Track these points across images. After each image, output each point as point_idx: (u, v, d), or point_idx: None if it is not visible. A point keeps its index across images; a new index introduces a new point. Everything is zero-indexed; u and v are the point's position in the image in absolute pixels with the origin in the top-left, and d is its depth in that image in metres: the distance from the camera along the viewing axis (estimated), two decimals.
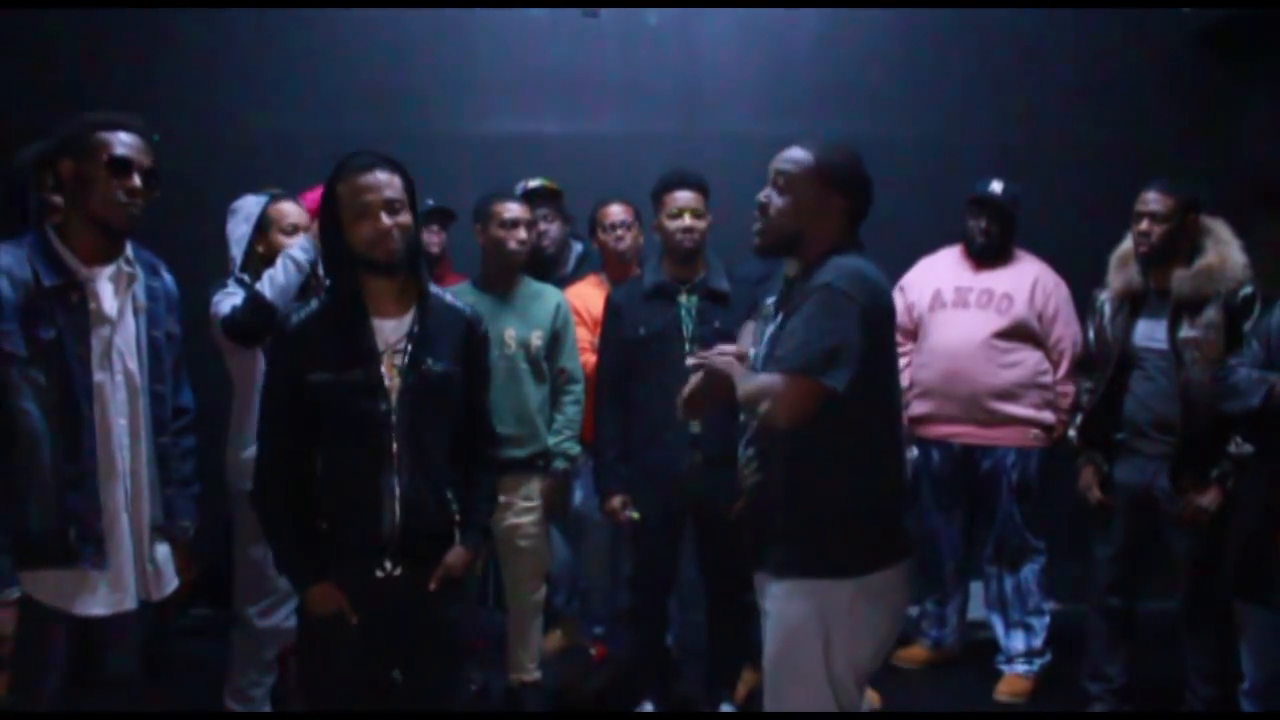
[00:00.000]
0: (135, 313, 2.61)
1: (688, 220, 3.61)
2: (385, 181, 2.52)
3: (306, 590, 2.59)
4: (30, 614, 2.44)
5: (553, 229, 4.36)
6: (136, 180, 2.52)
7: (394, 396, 2.55)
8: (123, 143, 2.52)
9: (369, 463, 2.55)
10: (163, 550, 2.67)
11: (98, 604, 2.53)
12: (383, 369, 2.55)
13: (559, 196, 4.43)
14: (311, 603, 2.58)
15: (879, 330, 2.38)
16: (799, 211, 2.43)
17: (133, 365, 2.59)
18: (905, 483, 2.69)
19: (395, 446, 2.55)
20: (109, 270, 2.56)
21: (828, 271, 2.35)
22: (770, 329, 2.52)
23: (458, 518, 2.70)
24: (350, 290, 2.57)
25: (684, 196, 3.63)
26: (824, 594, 2.39)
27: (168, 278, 2.76)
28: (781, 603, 2.45)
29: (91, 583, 2.52)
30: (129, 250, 2.63)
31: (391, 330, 2.58)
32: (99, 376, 2.52)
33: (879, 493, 2.47)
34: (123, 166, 2.51)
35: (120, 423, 2.55)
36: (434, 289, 2.68)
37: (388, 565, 2.59)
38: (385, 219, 2.50)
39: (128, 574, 2.57)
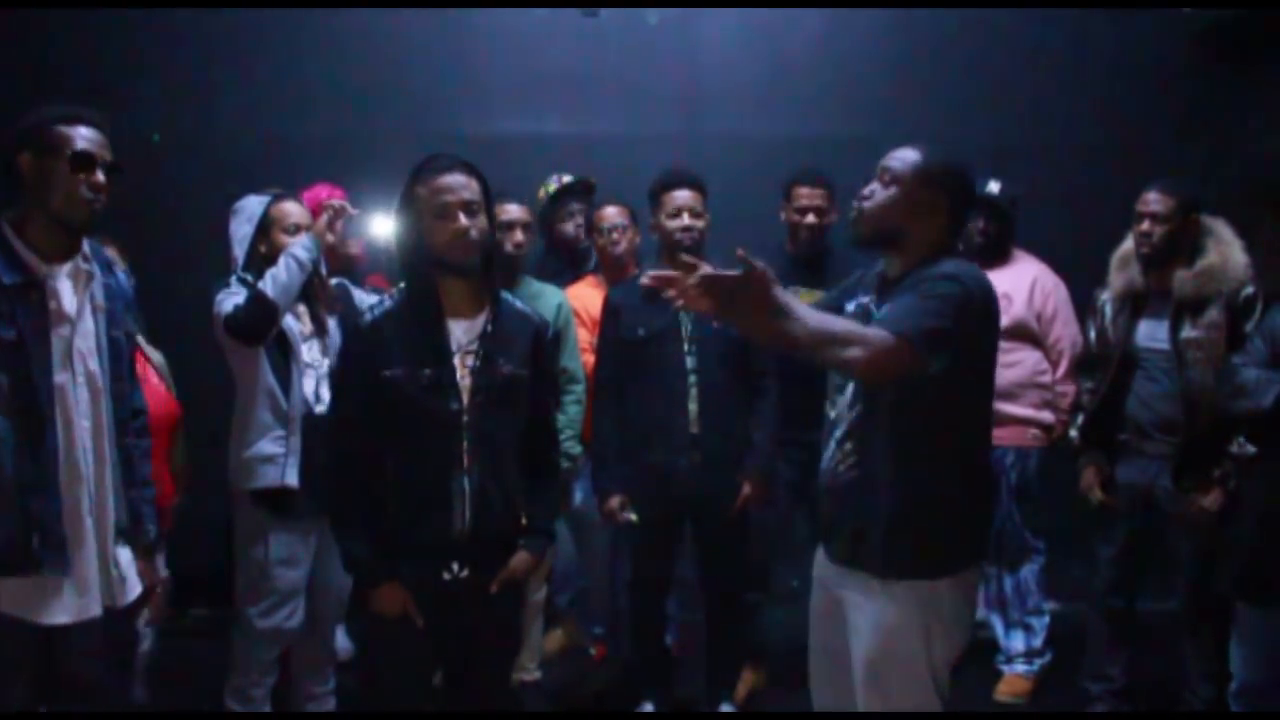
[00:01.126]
0: (94, 311, 2.55)
1: (686, 220, 3.60)
2: (464, 184, 2.55)
3: (374, 589, 2.59)
4: None
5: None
6: (99, 175, 2.45)
7: (465, 396, 2.57)
8: (84, 137, 2.46)
9: (440, 462, 2.57)
10: (125, 555, 2.62)
11: (61, 611, 2.46)
12: (455, 368, 2.57)
13: (593, 191, 4.43)
14: (379, 602, 2.59)
15: (986, 330, 2.44)
16: (902, 207, 2.45)
17: (94, 366, 2.53)
18: (992, 475, 2.73)
19: (465, 446, 2.57)
20: (67, 268, 2.50)
21: (946, 265, 2.39)
22: (850, 307, 2.55)
23: (523, 522, 2.71)
24: (426, 290, 2.58)
25: (682, 196, 3.62)
26: (926, 592, 2.43)
27: (122, 275, 2.71)
28: (881, 601, 2.47)
29: (55, 590, 2.45)
30: (85, 247, 2.56)
31: (464, 331, 2.61)
32: (60, 378, 2.45)
33: (975, 490, 2.52)
34: (85, 161, 2.44)
35: (83, 424, 2.49)
36: (504, 294, 2.71)
37: (454, 567, 2.60)
38: (464, 220, 2.52)
39: (92, 580, 2.51)
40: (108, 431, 2.55)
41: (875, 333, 2.25)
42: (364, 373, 2.57)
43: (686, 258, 2.29)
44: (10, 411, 2.38)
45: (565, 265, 4.40)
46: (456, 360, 2.58)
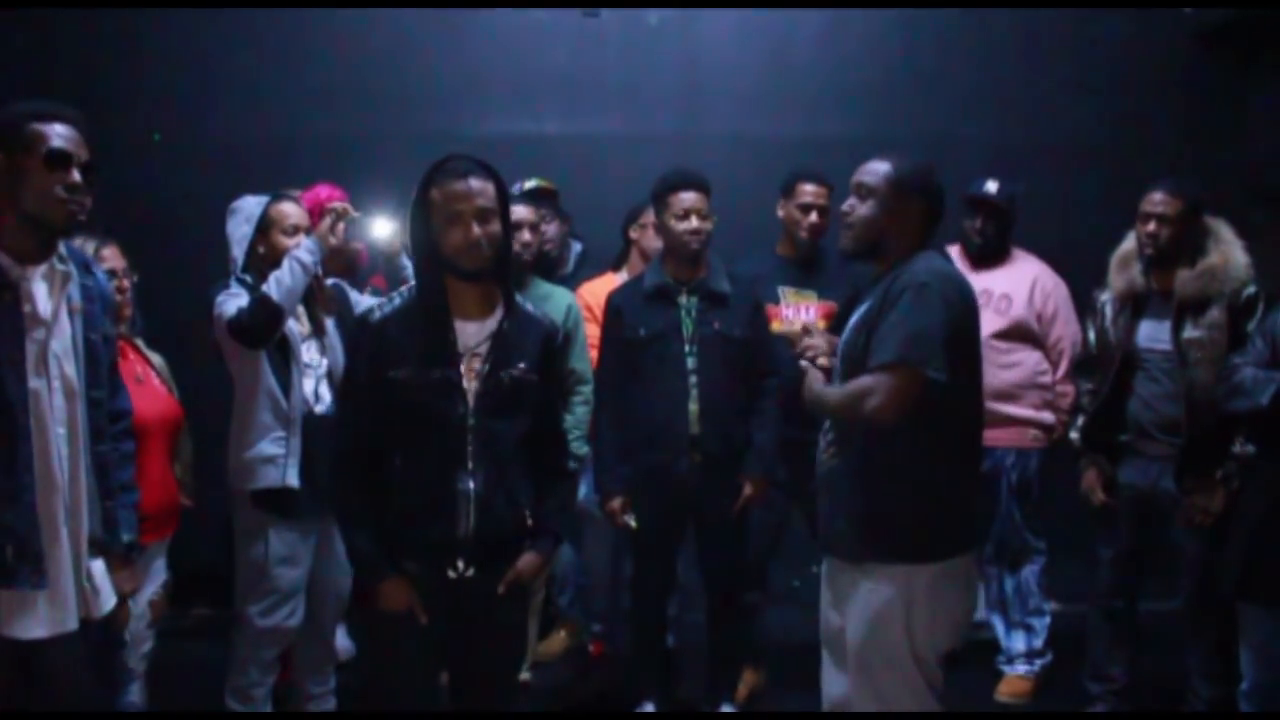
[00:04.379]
0: (71, 314, 2.44)
1: (695, 222, 3.58)
2: (479, 190, 2.54)
3: (379, 585, 2.59)
4: None
5: (550, 229, 4.36)
6: (75, 175, 2.35)
7: (471, 399, 2.57)
8: (59, 134, 2.34)
9: (445, 463, 2.57)
10: (98, 566, 2.51)
11: (37, 626, 2.36)
12: (462, 371, 2.57)
13: (555, 196, 4.44)
14: (383, 598, 2.58)
15: (964, 322, 2.58)
16: (881, 218, 2.63)
17: (70, 370, 2.42)
18: (980, 469, 2.89)
19: (470, 448, 2.57)
20: (42, 269, 2.39)
21: (915, 270, 2.54)
22: (854, 318, 2.66)
23: (529, 523, 2.70)
24: (435, 291, 2.59)
25: (689, 198, 3.59)
26: (906, 578, 2.53)
27: (101, 276, 2.63)
28: (863, 587, 2.58)
29: (29, 603, 2.35)
30: (61, 248, 2.46)
31: (473, 333, 2.61)
32: (34, 383, 2.35)
33: (959, 478, 2.62)
34: (60, 160, 2.33)
35: (59, 431, 2.39)
36: (516, 297, 2.71)
37: (460, 566, 2.60)
38: (476, 228, 2.52)
39: (68, 592, 2.41)
40: (83, 438, 2.45)
41: (871, 379, 2.47)
42: (370, 371, 2.57)
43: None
44: None
45: (538, 272, 4.33)
46: (464, 362, 2.58)
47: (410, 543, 2.59)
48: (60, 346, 2.41)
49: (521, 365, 2.63)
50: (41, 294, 2.39)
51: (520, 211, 3.79)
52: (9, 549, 2.32)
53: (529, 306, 2.75)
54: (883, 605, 2.54)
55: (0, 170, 2.33)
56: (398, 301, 2.64)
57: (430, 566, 2.60)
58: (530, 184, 4.40)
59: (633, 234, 4.32)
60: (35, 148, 2.33)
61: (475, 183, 2.54)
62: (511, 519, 2.65)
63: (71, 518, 2.43)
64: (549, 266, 4.32)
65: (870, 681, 2.57)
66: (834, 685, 2.73)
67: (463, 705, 2.73)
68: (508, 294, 2.67)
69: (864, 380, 2.48)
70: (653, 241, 4.08)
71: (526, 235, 3.80)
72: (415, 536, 2.59)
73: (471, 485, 2.57)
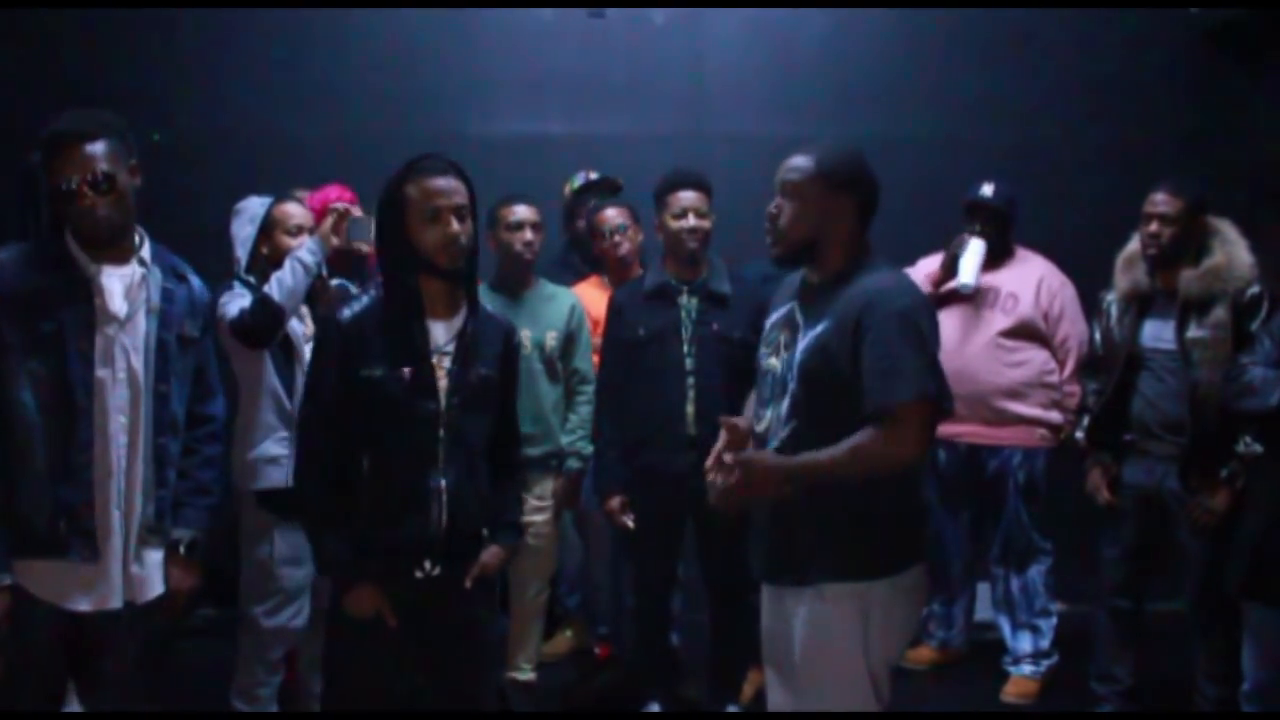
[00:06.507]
0: (148, 313, 2.62)
1: (692, 221, 3.59)
2: (455, 188, 2.55)
3: (348, 591, 2.58)
4: (19, 603, 2.48)
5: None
6: (86, 199, 2.49)
7: (442, 397, 2.58)
8: (74, 163, 2.51)
9: (417, 462, 2.58)
10: (154, 555, 2.66)
11: (83, 599, 2.54)
12: (434, 369, 2.59)
13: (618, 190, 4.43)
14: (352, 604, 2.58)
15: (935, 340, 2.46)
16: (809, 217, 2.47)
17: (137, 364, 2.59)
18: (925, 479, 2.77)
19: (441, 446, 2.59)
20: (122, 270, 2.58)
21: (885, 293, 2.39)
22: (805, 338, 2.48)
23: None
24: (408, 290, 2.59)
25: (688, 196, 3.61)
26: (863, 594, 2.43)
27: (196, 282, 2.78)
28: (815, 607, 2.47)
29: (78, 576, 2.53)
30: (146, 251, 2.64)
31: (442, 333, 2.62)
32: (100, 372, 2.54)
33: (908, 490, 2.53)
34: (67, 197, 2.50)
35: (119, 420, 2.56)
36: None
37: (427, 565, 2.60)
38: (455, 226, 2.53)
39: (115, 571, 2.57)
40: (145, 429, 2.61)
41: (887, 430, 2.32)
42: (340, 371, 2.56)
43: (726, 420, 2.59)
44: (46, 400, 2.49)
45: (583, 261, 4.40)
46: (434, 361, 2.60)
47: (378, 543, 2.58)
48: (131, 342, 2.59)
49: (487, 364, 2.67)
50: (116, 291, 2.57)
51: (522, 211, 3.80)
52: (63, 522, 2.50)
53: (488, 307, 2.78)
54: (836, 623, 2.44)
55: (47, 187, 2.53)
56: (365, 301, 2.63)
57: (397, 567, 2.59)
58: (594, 175, 4.43)
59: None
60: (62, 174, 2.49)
61: (453, 181, 2.56)
62: (480, 515, 2.68)
63: (126, 502, 2.58)
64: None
65: (820, 700, 2.48)
66: (783, 705, 2.64)
67: (441, 704, 2.70)
68: (472, 294, 2.67)
69: (864, 438, 2.33)
70: (619, 249, 4.09)
71: (529, 235, 3.81)
72: (384, 537, 2.58)
73: (443, 483, 2.58)
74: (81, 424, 2.51)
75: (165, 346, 2.65)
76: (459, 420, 2.61)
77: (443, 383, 2.59)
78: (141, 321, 2.61)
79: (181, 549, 2.73)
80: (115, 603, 2.58)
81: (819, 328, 2.44)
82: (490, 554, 2.71)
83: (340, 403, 2.57)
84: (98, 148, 2.51)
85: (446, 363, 2.60)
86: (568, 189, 4.49)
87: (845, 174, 2.47)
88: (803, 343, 2.47)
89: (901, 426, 2.33)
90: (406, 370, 2.55)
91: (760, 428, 2.57)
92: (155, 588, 2.67)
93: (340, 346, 2.57)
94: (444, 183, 2.54)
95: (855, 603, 2.43)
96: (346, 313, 2.60)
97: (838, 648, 2.45)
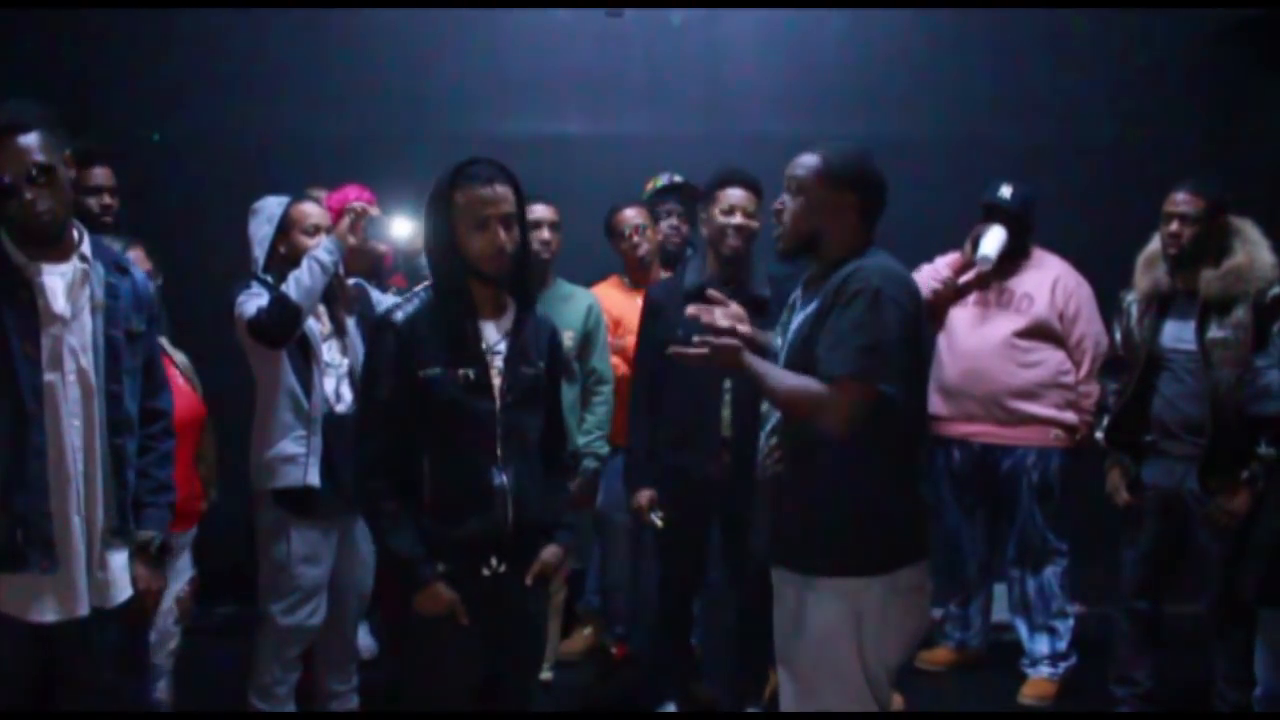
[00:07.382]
0: (92, 310, 2.53)
1: (739, 219, 3.57)
2: (503, 196, 2.58)
3: (421, 590, 2.58)
4: None
5: (683, 226, 4.33)
6: (27, 193, 2.40)
7: (498, 396, 2.61)
8: (12, 152, 2.41)
9: (477, 460, 2.60)
10: (118, 559, 2.58)
11: (48, 610, 2.46)
12: (489, 368, 2.62)
13: (696, 196, 4.42)
14: (424, 603, 2.58)
15: (915, 327, 2.46)
16: (813, 212, 2.52)
17: (86, 364, 2.50)
18: (925, 478, 2.76)
19: (500, 444, 2.62)
20: (62, 268, 2.48)
21: (864, 272, 2.41)
22: (796, 319, 2.55)
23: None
24: (459, 291, 2.62)
25: (737, 194, 3.59)
26: (856, 592, 2.43)
27: (138, 274, 2.69)
28: (810, 601, 2.48)
29: (41, 587, 2.44)
30: (86, 247, 2.55)
31: (492, 332, 2.65)
32: (49, 376, 2.44)
33: (905, 488, 2.52)
34: (8, 190, 2.41)
35: (74, 424, 2.48)
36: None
37: (494, 562, 2.63)
38: (501, 234, 2.56)
39: (79, 578, 2.49)
40: (100, 430, 2.52)
41: (823, 391, 2.35)
42: (399, 372, 2.58)
43: (714, 293, 2.66)
44: None
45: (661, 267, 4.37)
46: (487, 360, 2.63)
47: (445, 542, 2.60)
48: (78, 341, 2.49)
49: (536, 363, 2.70)
50: (58, 291, 2.47)
51: (540, 210, 3.81)
52: (19, 533, 2.41)
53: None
54: (831, 621, 2.44)
55: None
56: (417, 302, 2.66)
57: (465, 565, 2.61)
58: (678, 178, 4.44)
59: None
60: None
61: (500, 189, 2.58)
62: (540, 510, 2.70)
63: (86, 507, 2.50)
64: (670, 262, 4.28)
65: (816, 700, 2.49)
66: (788, 699, 2.64)
67: (491, 702, 2.73)
68: (525, 295, 2.71)
69: (815, 386, 2.36)
70: (638, 250, 4.10)
71: (546, 234, 3.81)
72: (451, 535, 2.60)
73: (505, 480, 2.61)
74: (33, 430, 2.41)
75: (114, 344, 2.55)
76: (514, 418, 2.64)
77: (496, 381, 2.62)
78: (87, 320, 2.51)
79: (153, 549, 2.66)
80: (82, 610, 2.49)
81: (809, 309, 2.50)
82: (550, 552, 2.74)
83: (400, 404, 2.59)
84: (31, 139, 2.42)
85: (498, 362, 2.63)
86: (650, 186, 4.49)
87: (849, 172, 2.52)
88: (794, 323, 2.54)
89: (834, 397, 2.34)
90: (469, 372, 2.59)
91: (763, 407, 2.62)
92: (123, 591, 2.59)
93: (396, 348, 2.59)
94: (490, 192, 2.56)
95: (847, 600, 2.43)
96: (400, 315, 2.62)
97: (832, 646, 2.45)
